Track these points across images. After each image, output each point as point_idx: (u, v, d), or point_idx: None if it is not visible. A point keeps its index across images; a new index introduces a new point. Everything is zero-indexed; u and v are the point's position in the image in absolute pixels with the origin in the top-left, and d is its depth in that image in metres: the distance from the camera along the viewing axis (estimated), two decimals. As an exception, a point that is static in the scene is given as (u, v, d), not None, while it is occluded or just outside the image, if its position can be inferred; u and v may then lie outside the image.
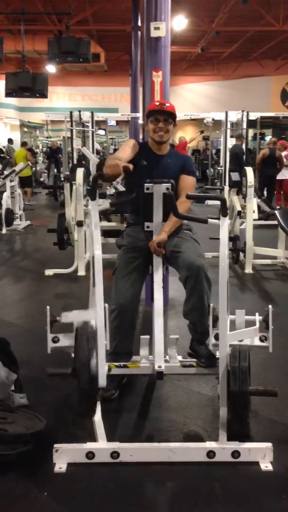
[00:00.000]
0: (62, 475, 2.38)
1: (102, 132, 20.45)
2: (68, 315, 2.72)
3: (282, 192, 11.69)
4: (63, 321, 2.73)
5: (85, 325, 2.62)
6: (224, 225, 2.64)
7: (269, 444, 2.49)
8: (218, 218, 2.68)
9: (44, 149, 21.88)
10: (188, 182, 3.13)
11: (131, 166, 2.71)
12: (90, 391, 2.49)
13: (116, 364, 2.98)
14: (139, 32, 13.47)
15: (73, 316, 2.70)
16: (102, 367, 2.55)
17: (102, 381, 2.54)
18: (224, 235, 2.62)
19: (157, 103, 3.18)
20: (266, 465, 2.44)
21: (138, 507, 2.22)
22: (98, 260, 2.64)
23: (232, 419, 2.59)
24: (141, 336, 3.00)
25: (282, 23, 14.33)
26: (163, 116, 3.07)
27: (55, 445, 2.45)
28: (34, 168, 15.54)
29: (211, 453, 2.46)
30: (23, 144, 15.03)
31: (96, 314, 2.61)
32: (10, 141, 18.61)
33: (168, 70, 4.57)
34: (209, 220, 2.75)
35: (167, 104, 3.14)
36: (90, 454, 2.44)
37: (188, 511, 2.20)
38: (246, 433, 2.62)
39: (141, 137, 11.22)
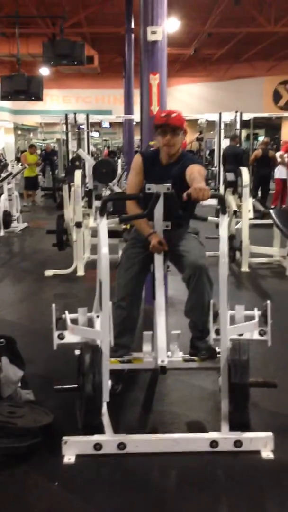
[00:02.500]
0: (71, 466, 2.46)
1: (96, 134, 20.51)
2: (74, 329, 2.85)
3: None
4: (68, 335, 2.88)
5: (89, 343, 2.74)
6: (224, 223, 2.72)
7: (270, 434, 2.57)
8: (218, 216, 2.77)
9: (39, 151, 21.92)
10: (195, 168, 2.89)
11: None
12: (95, 406, 2.62)
13: (120, 359, 3.06)
14: (132, 35, 13.58)
15: (79, 332, 2.85)
16: (106, 383, 2.65)
17: (106, 396, 2.65)
18: (223, 232, 2.70)
19: (163, 115, 2.99)
20: (267, 454, 2.53)
21: (145, 494, 2.31)
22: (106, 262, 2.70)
23: (233, 410, 2.68)
24: (144, 332, 3.09)
25: (274, 24, 14.45)
26: (170, 128, 2.94)
27: (64, 437, 2.53)
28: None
29: (214, 443, 2.55)
30: (31, 146, 14.82)
31: (101, 335, 2.73)
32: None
33: (165, 73, 4.66)
34: (209, 218, 2.84)
35: (173, 115, 2.95)
36: (97, 446, 2.52)
37: (193, 497, 2.29)
38: (246, 423, 2.71)
39: (137, 138, 11.28)
